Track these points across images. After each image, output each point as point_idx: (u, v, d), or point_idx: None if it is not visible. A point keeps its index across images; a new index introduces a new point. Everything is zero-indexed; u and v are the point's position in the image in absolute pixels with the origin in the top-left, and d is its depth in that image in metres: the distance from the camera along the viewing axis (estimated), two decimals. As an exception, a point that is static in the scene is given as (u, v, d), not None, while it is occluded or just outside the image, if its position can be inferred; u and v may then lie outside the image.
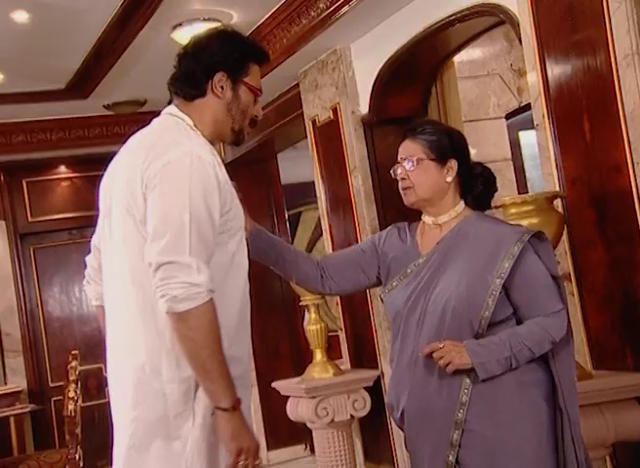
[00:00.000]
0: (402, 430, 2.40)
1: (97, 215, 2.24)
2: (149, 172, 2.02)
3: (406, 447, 2.42)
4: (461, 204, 2.37)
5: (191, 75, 2.16)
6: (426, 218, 2.41)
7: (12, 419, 6.14)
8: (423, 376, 2.28)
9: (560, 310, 2.26)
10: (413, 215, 2.51)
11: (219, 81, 2.15)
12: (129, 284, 2.06)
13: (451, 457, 2.23)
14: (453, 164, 2.35)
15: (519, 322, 2.29)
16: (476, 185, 2.38)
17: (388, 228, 2.52)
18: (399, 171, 2.37)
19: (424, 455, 2.30)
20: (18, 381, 6.55)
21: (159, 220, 1.97)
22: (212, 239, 1.99)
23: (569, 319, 2.30)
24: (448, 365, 2.19)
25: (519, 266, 2.24)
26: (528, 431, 2.22)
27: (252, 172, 6.70)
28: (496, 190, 2.44)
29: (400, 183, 2.37)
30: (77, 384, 4.76)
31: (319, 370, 4.61)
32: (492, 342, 2.21)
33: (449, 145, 2.35)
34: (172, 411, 2.01)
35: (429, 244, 2.37)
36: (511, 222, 2.65)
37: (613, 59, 3.00)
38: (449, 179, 2.34)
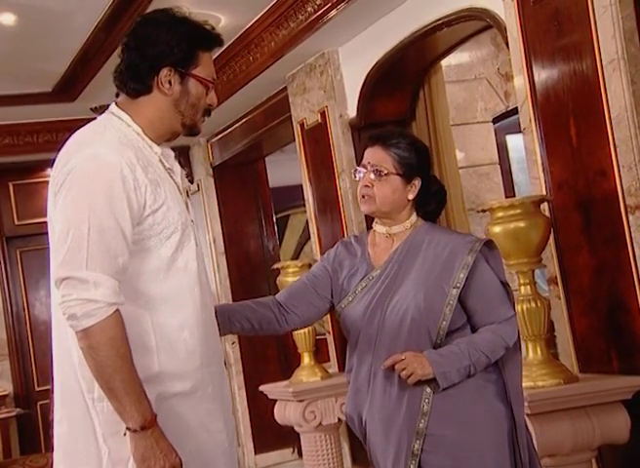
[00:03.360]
0: (363, 440, 2.41)
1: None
2: (57, 179, 1.94)
3: (369, 458, 2.41)
4: (414, 215, 2.39)
5: (135, 70, 2.00)
6: (379, 228, 2.41)
7: (-3, 423, 6.12)
8: (383, 388, 2.30)
9: (512, 317, 2.32)
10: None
11: (165, 76, 1.99)
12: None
13: (412, 467, 2.25)
14: (417, 182, 2.36)
15: (472, 328, 2.32)
16: (430, 203, 2.41)
17: (336, 245, 2.50)
18: (362, 176, 2.37)
19: (387, 465, 2.32)
20: (3, 385, 6.52)
21: (59, 233, 1.88)
22: (122, 247, 1.87)
23: (517, 326, 2.35)
24: (410, 376, 2.20)
25: (473, 275, 2.27)
26: (488, 432, 2.26)
27: (239, 175, 6.70)
28: (444, 205, 2.47)
29: (361, 189, 2.37)
30: (64, 388, 4.72)
31: (307, 374, 4.61)
32: (451, 352, 2.23)
33: (417, 164, 2.36)
34: (103, 430, 1.91)
35: (382, 255, 2.38)
36: (464, 232, 2.69)
37: (598, 64, 3.01)
38: (410, 197, 2.36)
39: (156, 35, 1.99)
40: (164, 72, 2.00)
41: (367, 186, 2.36)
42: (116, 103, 2.06)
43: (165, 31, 1.99)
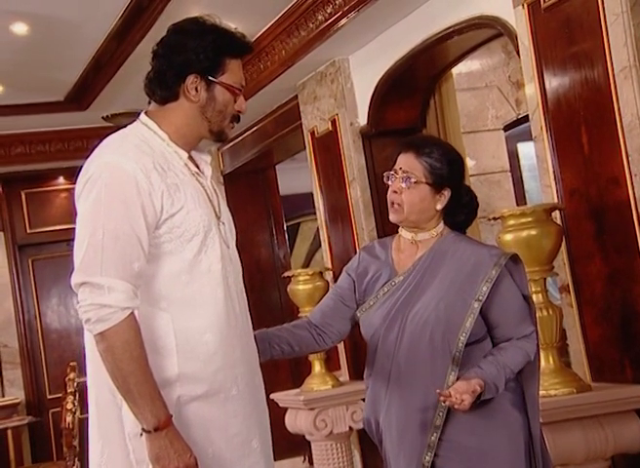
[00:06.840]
0: (379, 446, 2.41)
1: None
2: (77, 188, 1.99)
3: (384, 464, 2.42)
4: (442, 224, 2.39)
5: (162, 77, 2.03)
6: (404, 233, 2.41)
7: (9, 431, 6.14)
8: (400, 396, 2.30)
9: (532, 332, 2.33)
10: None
11: (191, 83, 2.02)
12: None
13: None
14: (446, 193, 2.35)
15: (491, 340, 2.32)
16: (459, 214, 2.40)
17: (358, 252, 2.51)
18: (394, 182, 2.36)
19: None
20: (15, 393, 6.54)
21: (76, 240, 1.94)
22: (137, 252, 1.91)
23: (537, 340, 2.35)
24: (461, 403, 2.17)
25: (497, 289, 2.27)
26: (503, 440, 2.25)
27: (250, 183, 6.72)
28: (475, 217, 2.46)
29: (390, 195, 2.37)
30: (75, 396, 4.75)
31: (318, 382, 4.61)
32: (491, 375, 2.21)
33: (448, 175, 2.35)
34: (128, 430, 1.95)
35: (406, 262, 2.38)
36: (488, 243, 2.68)
37: (610, 72, 3.00)
38: (439, 207, 2.35)
39: (183, 43, 2.02)
40: (190, 79, 2.02)
41: (395, 192, 2.35)
42: (146, 112, 2.10)
43: (192, 39, 2.02)
